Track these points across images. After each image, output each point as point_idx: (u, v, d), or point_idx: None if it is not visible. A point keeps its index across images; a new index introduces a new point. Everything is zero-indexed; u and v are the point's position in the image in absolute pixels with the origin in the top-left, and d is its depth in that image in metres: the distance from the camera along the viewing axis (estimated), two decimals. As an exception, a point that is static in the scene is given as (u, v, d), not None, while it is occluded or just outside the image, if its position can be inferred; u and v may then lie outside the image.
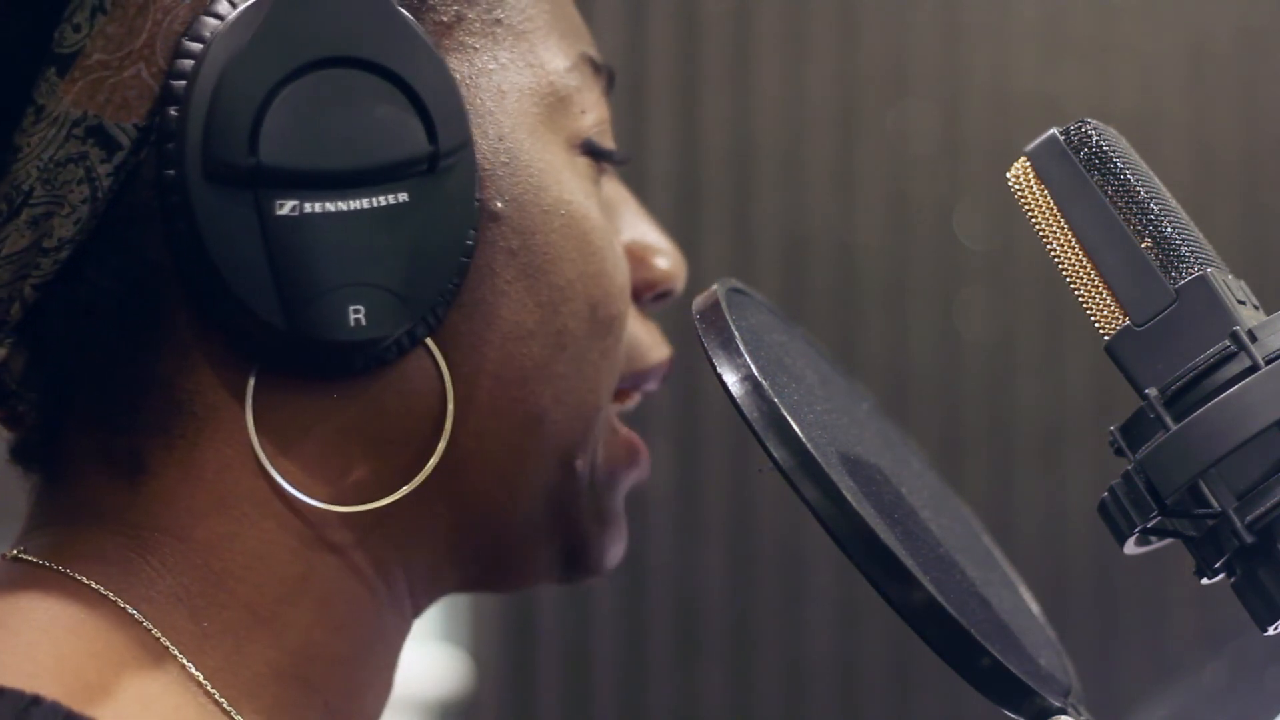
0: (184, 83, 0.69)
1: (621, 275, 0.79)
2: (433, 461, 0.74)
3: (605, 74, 0.81)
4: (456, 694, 2.25)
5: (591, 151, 0.78)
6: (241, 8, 0.70)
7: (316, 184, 0.70)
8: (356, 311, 0.70)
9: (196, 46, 0.70)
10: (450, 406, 0.74)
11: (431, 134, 0.71)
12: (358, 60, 0.70)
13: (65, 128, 0.69)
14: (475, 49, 0.75)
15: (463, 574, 0.79)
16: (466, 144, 0.72)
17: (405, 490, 0.74)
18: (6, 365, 0.74)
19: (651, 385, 0.84)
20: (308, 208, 0.70)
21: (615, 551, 0.82)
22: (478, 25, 0.75)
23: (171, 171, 0.69)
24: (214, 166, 0.69)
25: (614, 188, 0.83)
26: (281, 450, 0.72)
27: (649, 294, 0.83)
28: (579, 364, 0.77)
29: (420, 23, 0.73)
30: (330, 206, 0.70)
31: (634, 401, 0.84)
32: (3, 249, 0.71)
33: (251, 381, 0.72)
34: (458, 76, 0.74)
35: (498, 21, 0.76)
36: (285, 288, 0.69)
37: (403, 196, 0.71)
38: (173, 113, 0.69)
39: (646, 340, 0.82)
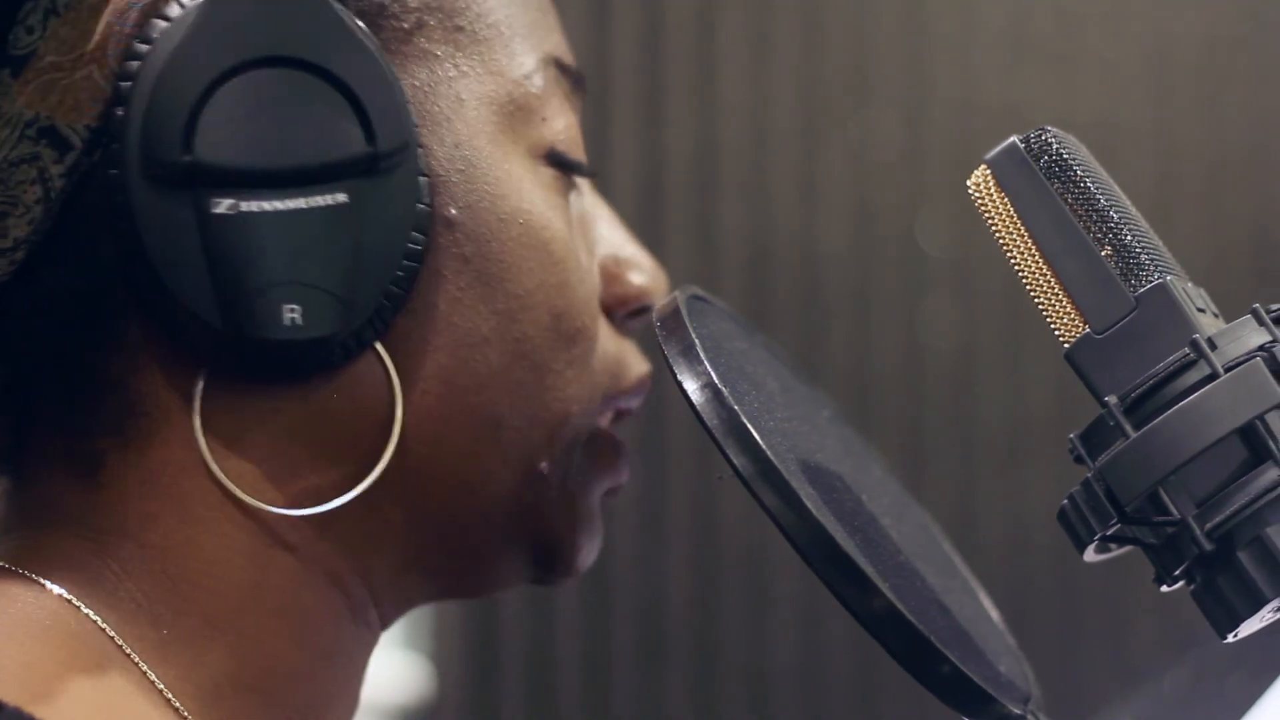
0: (131, 84, 0.69)
1: (585, 288, 0.78)
2: (380, 466, 0.73)
3: (573, 76, 0.80)
4: (418, 701, 2.25)
5: (557, 162, 0.78)
6: (185, 9, 0.70)
7: (253, 183, 0.69)
8: (292, 311, 0.70)
9: (144, 48, 0.70)
10: (399, 411, 0.73)
11: (370, 135, 0.71)
12: (294, 60, 0.70)
13: (18, 129, 0.70)
14: (436, 56, 0.75)
15: (431, 582, 0.79)
16: (408, 146, 0.72)
17: (352, 494, 0.73)
18: None
19: (633, 403, 0.83)
20: (244, 206, 0.69)
21: (588, 552, 0.82)
22: (439, 32, 0.75)
23: (115, 171, 0.69)
24: (152, 165, 0.69)
25: (591, 201, 0.82)
26: (231, 454, 0.72)
27: (623, 310, 0.82)
28: (541, 372, 0.76)
29: (379, 30, 0.73)
30: (267, 206, 0.70)
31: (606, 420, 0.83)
32: None
33: (200, 384, 0.71)
34: (416, 83, 0.74)
35: (459, 28, 0.75)
36: (222, 286, 0.69)
37: (341, 198, 0.71)
38: (119, 113, 0.69)
39: (624, 358, 0.82)
